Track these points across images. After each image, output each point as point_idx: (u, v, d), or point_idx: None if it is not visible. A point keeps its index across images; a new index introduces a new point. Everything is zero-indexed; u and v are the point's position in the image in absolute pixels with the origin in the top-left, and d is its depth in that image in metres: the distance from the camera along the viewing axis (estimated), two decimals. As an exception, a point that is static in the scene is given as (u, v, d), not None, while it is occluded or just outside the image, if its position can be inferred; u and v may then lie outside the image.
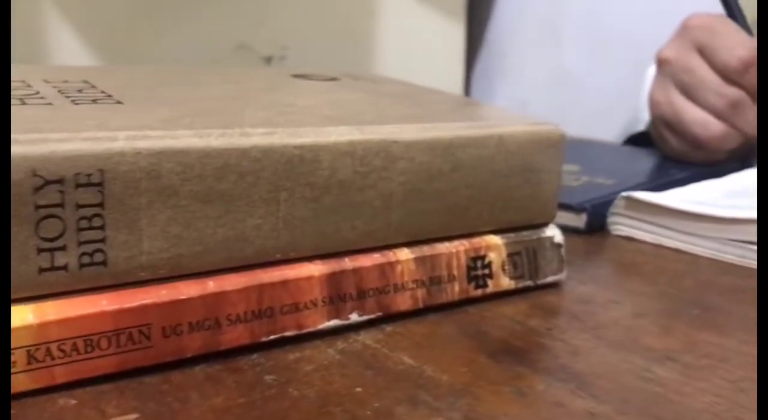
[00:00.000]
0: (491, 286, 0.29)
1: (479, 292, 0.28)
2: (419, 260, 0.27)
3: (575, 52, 1.10)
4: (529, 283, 0.29)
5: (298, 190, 0.24)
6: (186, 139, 0.22)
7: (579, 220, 0.38)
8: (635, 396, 0.21)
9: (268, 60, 1.04)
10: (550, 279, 0.30)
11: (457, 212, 0.28)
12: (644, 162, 0.51)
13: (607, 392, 0.21)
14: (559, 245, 0.30)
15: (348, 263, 0.25)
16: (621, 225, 0.38)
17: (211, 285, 0.23)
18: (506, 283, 0.29)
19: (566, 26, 1.11)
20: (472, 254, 0.28)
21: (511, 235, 0.29)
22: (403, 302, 0.26)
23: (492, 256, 0.29)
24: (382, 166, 0.25)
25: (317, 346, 0.24)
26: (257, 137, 0.23)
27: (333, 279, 0.25)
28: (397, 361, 0.23)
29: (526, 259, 0.29)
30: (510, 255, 0.29)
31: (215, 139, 0.22)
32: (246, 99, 0.28)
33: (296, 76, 0.36)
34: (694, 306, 0.28)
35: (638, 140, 0.58)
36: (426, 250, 0.27)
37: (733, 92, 0.45)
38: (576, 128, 1.12)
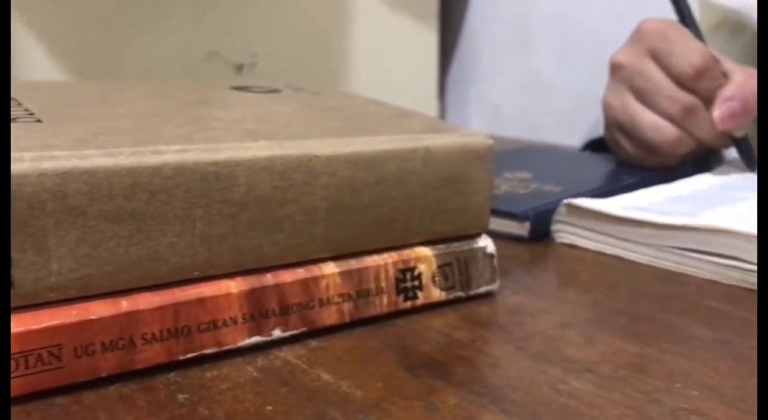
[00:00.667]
0: (421, 298, 0.29)
1: (409, 304, 0.28)
2: (345, 274, 0.27)
3: (546, 56, 1.11)
4: (460, 294, 0.30)
5: (214, 207, 0.24)
6: (94, 158, 0.22)
7: (522, 229, 0.38)
8: (546, 409, 0.21)
9: (239, 68, 1.04)
10: (482, 289, 0.30)
11: (384, 225, 0.28)
12: (598, 168, 0.51)
13: (519, 405, 0.21)
14: (491, 255, 0.30)
15: (270, 279, 0.25)
16: (564, 233, 0.38)
17: (125, 304, 0.23)
18: (437, 294, 0.29)
19: (537, 30, 1.12)
20: (401, 266, 0.28)
21: (442, 246, 0.29)
22: (329, 317, 0.26)
23: (422, 267, 0.29)
24: (303, 181, 0.25)
25: (237, 364, 0.24)
26: (170, 155, 0.23)
27: (253, 295, 0.25)
28: (314, 378, 0.23)
29: (458, 270, 0.29)
30: (441, 266, 0.29)
31: (126, 157, 0.22)
32: (170, 114, 0.28)
33: (236, 88, 0.36)
34: (623, 315, 0.28)
35: (598, 145, 0.58)
36: (353, 263, 0.27)
37: (687, 98, 0.46)
38: (549, 131, 1.13)
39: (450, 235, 0.30)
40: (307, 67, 1.08)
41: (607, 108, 0.50)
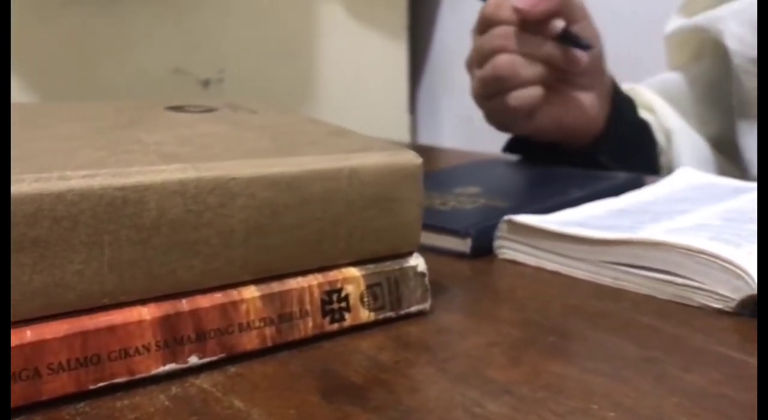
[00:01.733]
0: (349, 320, 0.28)
1: (336, 326, 0.28)
2: (267, 297, 0.26)
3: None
4: (391, 314, 0.29)
5: (123, 232, 0.23)
6: (-6, 185, 0.21)
7: (465, 245, 0.38)
8: (456, 434, 0.21)
9: (206, 83, 1.03)
10: (414, 309, 0.30)
11: (308, 246, 0.27)
12: (548, 182, 0.51)
13: (430, 431, 0.21)
14: (422, 274, 0.30)
15: (185, 305, 0.25)
16: (506, 249, 0.37)
17: (29, 334, 0.22)
18: (366, 315, 0.29)
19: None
20: (327, 288, 0.28)
21: (371, 266, 0.29)
22: (250, 342, 0.26)
23: (349, 288, 0.28)
24: (218, 204, 0.25)
25: (150, 392, 0.23)
26: (76, 180, 0.22)
27: (167, 322, 0.24)
28: (226, 406, 0.23)
29: (387, 290, 0.29)
30: (369, 286, 0.29)
31: (28, 184, 0.22)
32: (92, 138, 0.28)
33: (171, 108, 0.36)
34: (553, 333, 0.28)
35: (519, 145, 0.60)
36: (275, 286, 0.27)
37: (499, 30, 0.52)
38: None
39: (379, 255, 0.29)
40: (276, 83, 1.08)
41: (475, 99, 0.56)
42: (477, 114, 1.24)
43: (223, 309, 0.25)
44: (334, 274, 0.28)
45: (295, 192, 0.26)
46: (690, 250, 0.30)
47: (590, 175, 0.51)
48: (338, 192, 0.27)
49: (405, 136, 1.23)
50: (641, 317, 0.30)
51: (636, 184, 0.48)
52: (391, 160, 0.29)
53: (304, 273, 0.27)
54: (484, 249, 0.38)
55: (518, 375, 0.25)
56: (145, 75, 0.97)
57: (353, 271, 0.28)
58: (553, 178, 0.52)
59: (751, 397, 0.23)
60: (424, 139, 1.29)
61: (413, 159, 0.30)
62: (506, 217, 0.37)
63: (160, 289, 0.24)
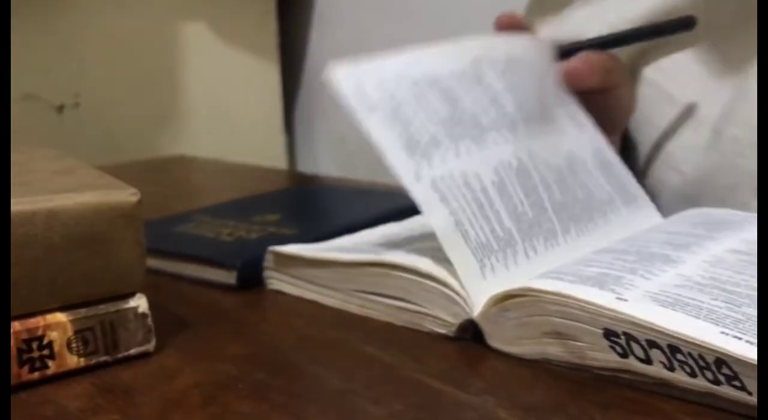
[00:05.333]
0: (54, 367, 0.27)
1: (37, 375, 0.27)
2: (-52, 351, 0.25)
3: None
4: (106, 358, 0.28)
5: None
6: None
7: (231, 277, 0.37)
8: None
9: (60, 109, 1.00)
10: (134, 351, 0.29)
11: (0, 294, 0.26)
12: (350, 206, 0.51)
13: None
14: (144, 315, 0.29)
15: None
16: (273, 279, 0.37)
17: None
18: (74, 361, 0.28)
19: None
20: (26, 336, 0.27)
21: (83, 310, 0.28)
22: (-74, 398, 0.25)
23: (53, 335, 0.27)
24: None
25: None
26: None
27: None
28: None
29: (101, 334, 0.28)
30: (79, 331, 0.28)
31: None
32: None
33: None
34: (266, 369, 0.28)
35: None
36: (-41, 338, 0.25)
37: None
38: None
39: (92, 298, 0.28)
40: (138, 107, 1.05)
41: None
42: (350, 134, 1.25)
43: None
44: (35, 321, 0.27)
45: (-23, 239, 0.25)
46: (411, 272, 0.31)
47: (398, 196, 0.52)
48: (33, 236, 0.27)
49: (281, 159, 1.22)
50: (366, 347, 0.30)
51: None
52: (101, 199, 0.28)
53: (-2, 322, 0.26)
54: (254, 280, 0.38)
55: (202, 418, 0.24)
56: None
57: (59, 317, 0.27)
58: (368, 201, 0.52)
59: (422, 428, 0.23)
60: (302, 161, 1.28)
61: (128, 198, 0.29)
62: (270, 248, 0.37)
63: None
